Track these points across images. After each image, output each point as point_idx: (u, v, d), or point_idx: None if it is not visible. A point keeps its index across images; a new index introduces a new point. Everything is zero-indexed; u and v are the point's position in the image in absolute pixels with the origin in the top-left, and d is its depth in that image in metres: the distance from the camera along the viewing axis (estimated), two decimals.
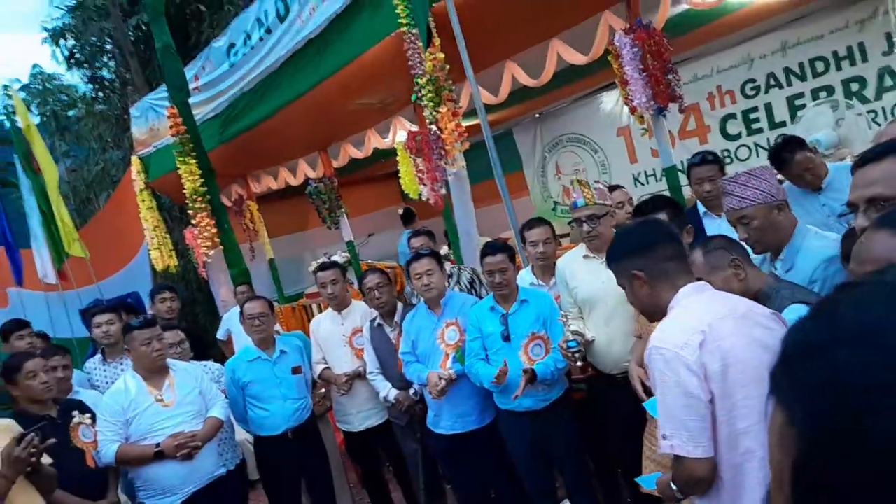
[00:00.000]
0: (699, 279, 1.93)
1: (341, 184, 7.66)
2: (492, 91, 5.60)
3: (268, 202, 8.80)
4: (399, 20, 4.58)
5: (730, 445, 1.59)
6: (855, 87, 6.28)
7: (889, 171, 1.60)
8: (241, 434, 4.11)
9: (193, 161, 6.93)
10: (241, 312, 3.81)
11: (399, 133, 6.56)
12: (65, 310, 7.85)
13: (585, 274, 3.28)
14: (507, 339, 3.21)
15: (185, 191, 6.99)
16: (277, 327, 4.21)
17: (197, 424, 3.34)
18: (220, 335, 6.05)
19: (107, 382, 4.09)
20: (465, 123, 4.92)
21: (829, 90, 6.44)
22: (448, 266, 4.18)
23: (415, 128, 6.09)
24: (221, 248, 7.20)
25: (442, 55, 4.67)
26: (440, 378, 3.29)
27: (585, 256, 3.27)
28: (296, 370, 3.79)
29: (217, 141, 7.00)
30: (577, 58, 5.08)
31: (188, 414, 3.34)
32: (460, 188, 5.30)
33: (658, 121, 4.67)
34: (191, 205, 7.00)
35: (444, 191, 5.73)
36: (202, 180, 6.97)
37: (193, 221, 7.06)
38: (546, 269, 3.64)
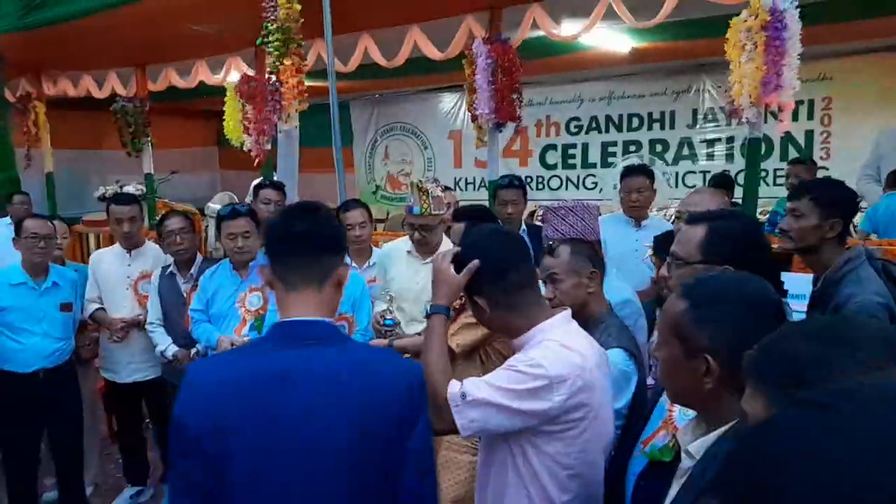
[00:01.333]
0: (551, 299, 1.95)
1: (152, 110, 6.98)
2: (341, 59, 5.44)
3: (59, 109, 7.74)
4: None
5: (555, 485, 1.55)
6: (659, 148, 7.06)
7: (688, 237, 1.81)
8: None
9: None
10: (18, 227, 3.27)
11: (232, 73, 6.14)
12: None
13: (403, 269, 3.28)
14: None
15: None
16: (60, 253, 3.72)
17: None
18: None
19: None
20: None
21: (638, 146, 7.17)
22: None
23: (251, 72, 5.73)
24: None
25: (299, 6, 4.45)
26: (232, 343, 3.10)
27: (409, 252, 3.27)
28: (65, 307, 3.34)
29: (12, 25, 5.99)
30: (432, 51, 5.11)
31: None
32: (289, 148, 5.08)
33: (494, 135, 4.84)
34: None
35: (269, 146, 5.46)
36: None
37: None
38: (361, 252, 3.60)
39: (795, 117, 6.16)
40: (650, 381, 2.17)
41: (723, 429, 1.21)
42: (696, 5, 4.35)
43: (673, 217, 5.13)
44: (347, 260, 3.47)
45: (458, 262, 1.63)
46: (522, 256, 1.64)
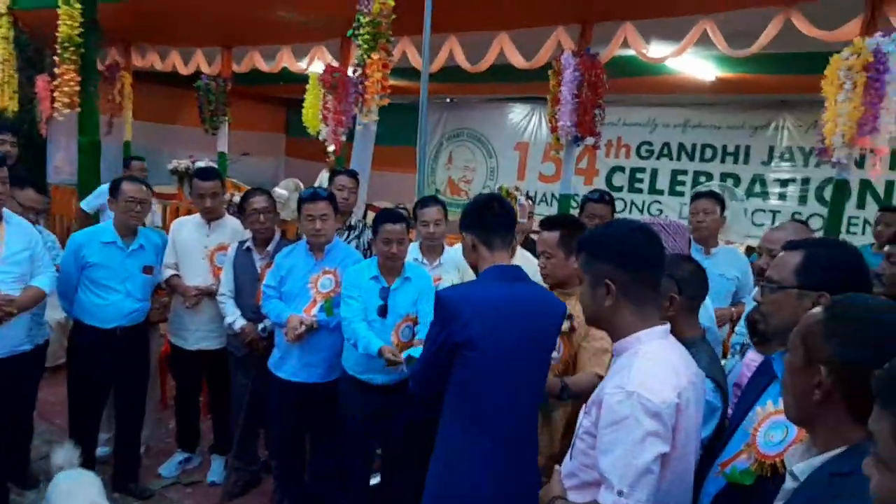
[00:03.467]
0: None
1: (231, 91, 7.17)
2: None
3: (144, 81, 8.01)
4: None
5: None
6: (730, 181, 6.92)
7: (785, 261, 1.78)
8: (52, 314, 3.69)
9: (79, 6, 6.15)
10: (114, 188, 3.37)
11: (316, 63, 6.25)
12: None
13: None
14: (383, 314, 3.07)
15: (57, 34, 6.18)
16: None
17: (16, 289, 2.93)
18: (87, 206, 4.98)
19: None
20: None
21: (709, 177, 7.06)
22: (356, 219, 4.01)
23: (336, 63, 5.83)
24: (78, 110, 6.45)
25: (392, 2, 4.54)
26: (301, 322, 3.13)
27: None
28: (147, 270, 3.43)
29: None
30: (518, 59, 5.12)
31: (10, 275, 2.91)
32: (364, 142, 5.15)
33: (571, 148, 4.83)
34: (60, 53, 6.19)
35: (343, 138, 5.54)
36: (81, 30, 6.20)
37: (57, 71, 6.26)
38: (432, 248, 3.60)
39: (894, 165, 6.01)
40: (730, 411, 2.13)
41: (830, 454, 1.20)
42: (793, 40, 4.28)
43: (745, 249, 5.03)
44: (418, 256, 3.53)
45: (594, 241, 1.71)
46: (661, 260, 1.70)
